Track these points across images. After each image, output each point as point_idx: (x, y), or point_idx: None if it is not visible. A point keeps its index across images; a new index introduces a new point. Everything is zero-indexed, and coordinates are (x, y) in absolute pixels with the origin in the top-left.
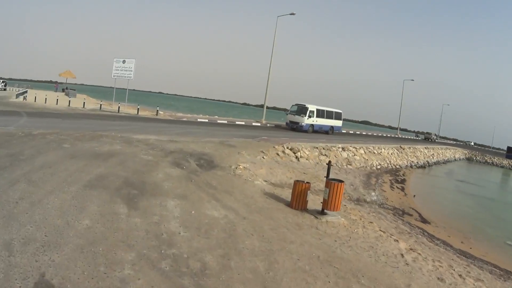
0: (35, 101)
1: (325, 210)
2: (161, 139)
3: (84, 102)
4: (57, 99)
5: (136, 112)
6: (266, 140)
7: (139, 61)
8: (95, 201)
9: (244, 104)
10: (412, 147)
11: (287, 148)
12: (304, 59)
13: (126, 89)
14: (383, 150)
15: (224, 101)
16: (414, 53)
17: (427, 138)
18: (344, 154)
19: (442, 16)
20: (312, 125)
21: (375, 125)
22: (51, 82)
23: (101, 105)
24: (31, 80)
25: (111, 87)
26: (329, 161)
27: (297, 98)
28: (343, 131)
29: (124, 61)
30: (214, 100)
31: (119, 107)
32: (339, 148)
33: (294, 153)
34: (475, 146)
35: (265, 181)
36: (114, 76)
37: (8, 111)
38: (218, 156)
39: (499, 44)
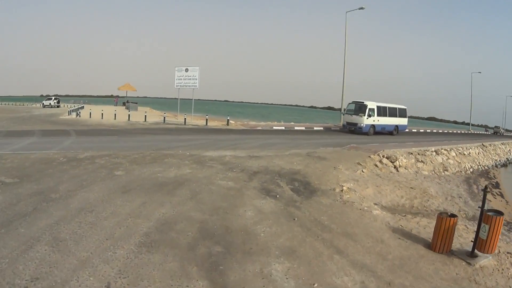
0: (90, 117)
1: (475, 251)
2: (239, 155)
3: (145, 115)
4: (115, 114)
5: (205, 123)
6: (356, 148)
7: (202, 70)
8: (157, 276)
9: (312, 107)
10: (492, 144)
11: (384, 157)
12: (370, 57)
13: (192, 99)
14: (471, 150)
15: (291, 105)
16: (473, 44)
17: (496, 132)
18: (439, 159)
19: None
20: (373, 125)
21: (441, 120)
22: (111, 96)
23: (164, 117)
24: (90, 96)
25: (175, 98)
26: (485, 187)
27: (360, 96)
28: (408, 130)
29: (187, 70)
30: (281, 105)
31: (185, 118)
32: (432, 152)
33: (392, 162)
34: None
35: (376, 203)
36: (177, 86)
37: (55, 131)
38: (312, 174)
39: None
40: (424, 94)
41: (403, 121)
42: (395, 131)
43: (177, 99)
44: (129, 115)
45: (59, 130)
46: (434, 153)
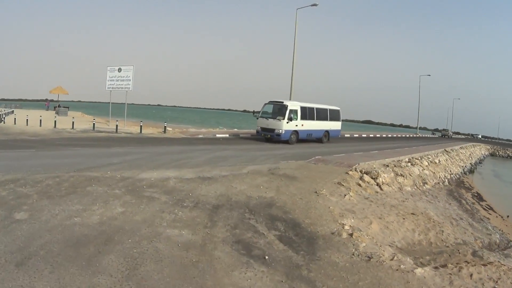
0: (14, 123)
1: None
2: (186, 176)
3: (73, 122)
4: (41, 120)
5: (139, 131)
6: (324, 162)
7: (136, 71)
8: None
9: (245, 111)
10: (452, 149)
11: (363, 173)
12: (307, 57)
13: (125, 103)
14: (440, 158)
15: (224, 109)
16: (415, 47)
17: (444, 135)
18: (415, 170)
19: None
20: (296, 131)
21: (378, 123)
22: (46, 100)
23: (94, 123)
24: (25, 100)
25: (117, 103)
26: None
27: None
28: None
29: (120, 69)
30: (213, 109)
31: (117, 125)
32: (407, 163)
33: (373, 179)
34: (484, 139)
35: (390, 245)
36: (108, 88)
37: None
38: (293, 205)
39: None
40: (359, 96)
41: (335, 125)
42: (325, 137)
43: (113, 103)
44: (55, 121)
45: None
46: (410, 164)
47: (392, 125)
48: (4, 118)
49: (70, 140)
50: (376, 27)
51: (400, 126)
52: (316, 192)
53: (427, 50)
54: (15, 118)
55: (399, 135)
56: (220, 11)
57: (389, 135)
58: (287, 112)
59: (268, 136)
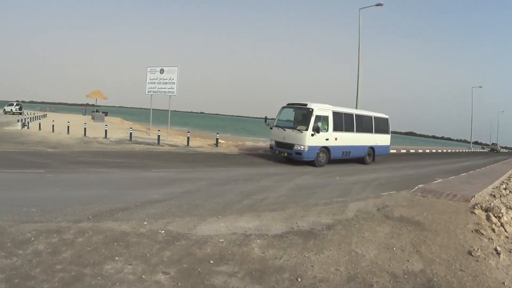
0: (39, 129)
1: None
2: (273, 229)
3: (105, 130)
4: (68, 126)
5: (186, 142)
6: (432, 193)
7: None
8: None
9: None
10: None
11: (485, 210)
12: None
13: (168, 110)
14: None
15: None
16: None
17: (493, 150)
18: None
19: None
20: (326, 148)
21: (420, 135)
22: (89, 105)
23: (131, 133)
24: (65, 104)
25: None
26: None
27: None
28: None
29: (162, 71)
30: (252, 117)
31: (159, 135)
32: (505, 190)
33: (497, 217)
34: None
35: None
36: (149, 91)
37: None
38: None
39: None
40: (401, 107)
41: (382, 139)
42: (369, 156)
43: (154, 109)
44: (85, 129)
45: None
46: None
47: (434, 137)
48: (28, 123)
49: (98, 156)
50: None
51: (442, 138)
52: (469, 252)
53: (473, 62)
54: (40, 124)
55: (453, 150)
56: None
57: (444, 150)
58: (313, 119)
59: (285, 154)
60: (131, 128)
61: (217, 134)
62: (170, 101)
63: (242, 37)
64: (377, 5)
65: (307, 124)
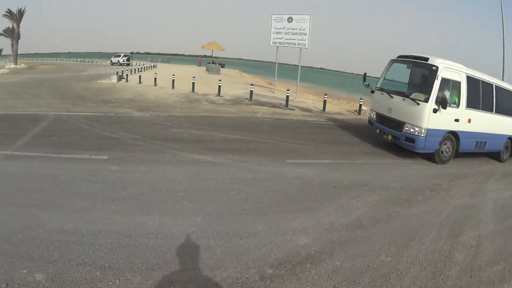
0: (139, 82)
1: None
2: None
3: (219, 86)
4: (173, 80)
5: (320, 107)
6: None
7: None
8: None
9: None
10: None
11: None
12: None
13: (298, 65)
14: None
15: None
16: None
17: None
18: None
19: None
20: (454, 134)
21: None
22: (206, 56)
23: (251, 90)
24: (181, 55)
25: (272, 62)
26: None
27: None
28: None
29: (290, 19)
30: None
31: (287, 95)
32: None
33: None
34: None
35: None
36: (274, 42)
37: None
38: None
39: None
40: None
41: None
42: (507, 150)
43: (274, 63)
44: (193, 83)
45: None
46: None
47: None
48: (126, 75)
49: (202, 126)
50: None
51: None
52: None
53: None
54: (140, 76)
55: None
56: None
57: None
58: (436, 84)
59: (389, 137)
60: (251, 84)
61: (361, 99)
62: (301, 55)
63: None
64: None
65: (427, 92)
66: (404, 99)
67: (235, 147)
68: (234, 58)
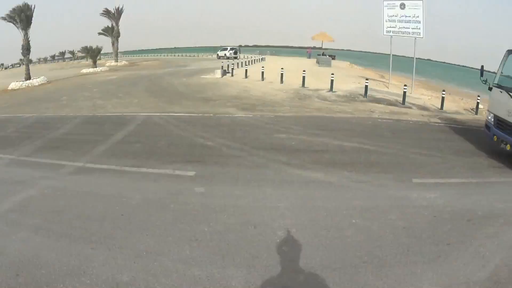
0: (245, 76)
1: None
2: None
3: (332, 80)
4: (282, 73)
5: (438, 105)
6: None
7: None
8: None
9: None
10: None
11: None
12: None
13: (413, 57)
14: None
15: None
16: None
17: None
18: None
19: None
20: None
21: None
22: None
23: (366, 86)
24: (291, 47)
25: (383, 53)
26: None
27: None
28: None
29: (403, 5)
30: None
31: (404, 92)
32: None
33: None
34: None
35: None
36: (387, 32)
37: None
38: None
39: None
40: None
41: None
42: None
43: (388, 54)
44: (303, 77)
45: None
46: None
47: None
48: (232, 70)
49: (314, 130)
50: None
51: None
52: None
53: None
54: (246, 70)
55: None
56: None
57: None
58: None
59: (508, 148)
60: (366, 79)
61: (478, 96)
62: (416, 45)
63: None
64: None
65: None
66: None
67: (353, 160)
68: (343, 50)
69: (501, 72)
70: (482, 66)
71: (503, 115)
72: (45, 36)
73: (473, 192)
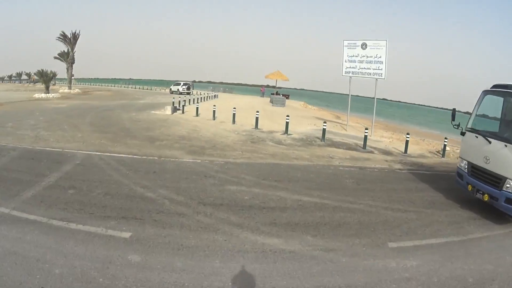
0: (196, 114)
1: None
2: None
3: (287, 122)
4: (234, 113)
5: (402, 148)
6: None
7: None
8: None
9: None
10: None
11: None
12: None
13: (374, 97)
14: None
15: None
16: None
17: None
18: None
19: None
20: None
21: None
22: (269, 86)
23: (324, 129)
24: (244, 84)
25: (339, 93)
26: None
27: None
28: None
29: (364, 46)
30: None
31: (365, 136)
32: None
33: None
34: None
35: None
36: (346, 72)
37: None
38: None
39: None
40: None
41: None
42: None
43: (346, 95)
44: (256, 118)
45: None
46: None
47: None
48: (183, 106)
49: (268, 181)
50: None
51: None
52: None
53: None
54: (197, 108)
55: None
56: None
57: None
58: None
59: (485, 198)
60: (324, 122)
61: (446, 139)
62: (376, 86)
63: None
64: None
65: None
66: (506, 145)
67: (316, 221)
68: (296, 89)
69: (476, 115)
70: (454, 109)
71: (478, 162)
72: (4, 55)
73: (459, 254)
